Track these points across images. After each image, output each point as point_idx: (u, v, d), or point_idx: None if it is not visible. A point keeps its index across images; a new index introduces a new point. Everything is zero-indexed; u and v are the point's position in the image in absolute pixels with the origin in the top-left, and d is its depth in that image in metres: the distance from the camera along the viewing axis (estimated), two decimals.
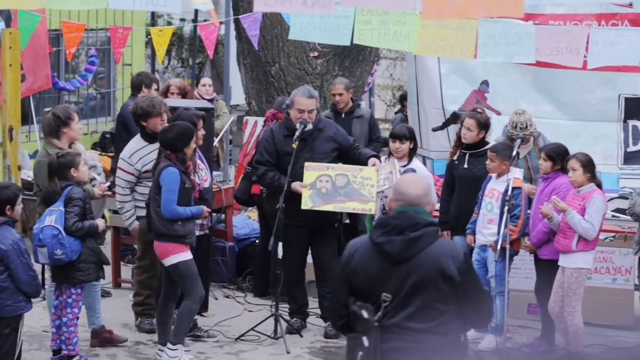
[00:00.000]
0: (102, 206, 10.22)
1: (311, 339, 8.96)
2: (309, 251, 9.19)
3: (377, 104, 20.47)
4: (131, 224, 8.77)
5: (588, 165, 8.27)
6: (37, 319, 8.82)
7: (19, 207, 7.25)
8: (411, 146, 9.15)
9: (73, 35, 10.17)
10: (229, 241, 10.50)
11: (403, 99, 14.88)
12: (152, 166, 8.30)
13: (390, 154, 9.16)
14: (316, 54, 12.19)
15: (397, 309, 5.09)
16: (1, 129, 10.54)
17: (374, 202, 8.82)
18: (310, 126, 8.85)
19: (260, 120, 10.50)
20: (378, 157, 9.12)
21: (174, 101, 9.69)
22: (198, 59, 19.00)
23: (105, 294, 9.96)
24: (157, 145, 8.29)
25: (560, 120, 10.77)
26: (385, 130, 15.52)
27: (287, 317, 9.11)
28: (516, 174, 8.55)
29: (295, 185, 8.74)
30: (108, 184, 9.45)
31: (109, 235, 10.69)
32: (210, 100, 13.06)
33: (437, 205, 9.32)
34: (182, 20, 18.62)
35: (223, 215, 10.53)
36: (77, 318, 7.97)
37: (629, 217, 9.18)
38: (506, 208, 8.33)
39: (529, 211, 8.67)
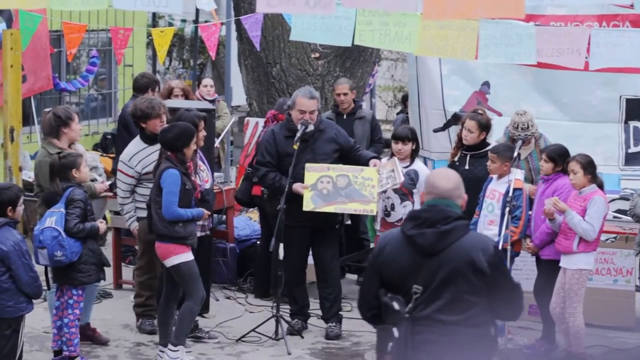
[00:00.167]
0: (103, 207, 10.22)
1: (312, 340, 8.96)
2: (310, 252, 9.19)
3: (378, 105, 20.49)
4: (131, 225, 8.78)
5: (588, 166, 8.27)
6: (38, 320, 8.82)
7: (20, 209, 7.26)
8: (413, 147, 9.15)
9: (74, 36, 10.18)
10: (230, 242, 10.50)
11: (405, 99, 14.89)
12: (152, 168, 8.30)
13: (392, 155, 9.16)
14: (317, 55, 12.19)
15: (427, 301, 5.17)
16: (2, 130, 10.55)
17: (375, 203, 8.82)
18: (311, 127, 8.85)
19: (262, 121, 10.50)
20: (379, 158, 9.12)
21: (175, 102, 9.69)
22: (199, 59, 19.00)
23: (107, 295, 9.98)
24: (156, 147, 8.30)
25: (561, 121, 10.76)
26: (386, 131, 15.53)
27: (288, 318, 9.11)
28: (517, 175, 8.54)
29: (297, 186, 8.74)
30: (109, 182, 9.44)
31: (110, 237, 10.69)
32: (212, 101, 13.06)
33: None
34: (184, 21, 18.63)
35: (224, 217, 10.53)
36: (79, 319, 7.98)
37: (630, 218, 9.18)
38: (507, 209, 8.33)
39: (530, 212, 8.67)
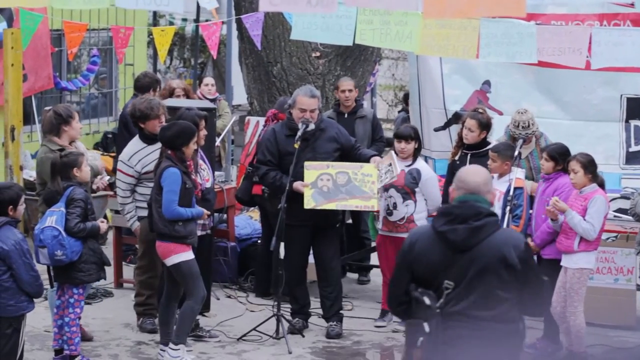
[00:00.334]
0: (104, 206, 10.23)
1: (313, 339, 8.96)
2: (311, 251, 9.19)
3: (379, 104, 20.47)
4: (132, 224, 8.79)
5: (589, 166, 8.26)
6: (39, 319, 8.83)
7: (21, 208, 7.26)
8: (416, 146, 9.16)
9: (75, 35, 10.18)
10: (231, 241, 10.51)
11: (406, 98, 14.87)
12: (152, 167, 8.31)
13: (395, 153, 9.16)
14: (318, 54, 12.18)
15: (459, 296, 5.23)
16: (3, 129, 10.55)
17: (376, 199, 8.83)
18: (312, 126, 8.85)
19: (262, 120, 10.50)
20: (380, 156, 9.12)
21: (176, 101, 9.68)
22: (200, 59, 19.00)
23: (107, 294, 9.98)
24: (156, 146, 8.31)
25: (562, 120, 10.76)
26: (387, 130, 15.52)
27: (289, 317, 9.11)
28: (518, 174, 8.54)
29: (297, 184, 8.75)
30: (107, 178, 9.43)
31: (111, 236, 10.69)
32: (213, 100, 13.07)
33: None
34: (184, 20, 18.62)
35: (225, 215, 10.53)
36: (79, 318, 7.98)
37: (630, 217, 9.18)
38: (508, 208, 8.33)
39: (530, 211, 8.66)
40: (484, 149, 8.99)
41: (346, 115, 10.47)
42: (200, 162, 8.48)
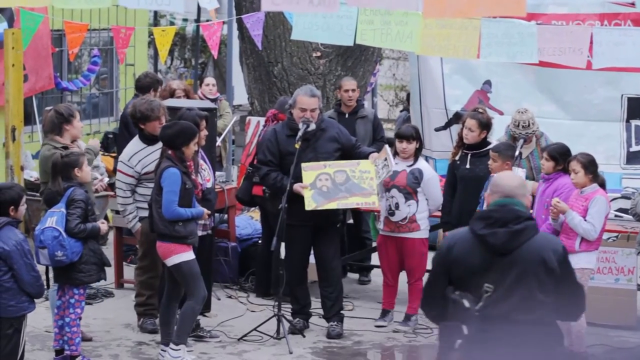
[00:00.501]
0: (105, 206, 10.23)
1: (314, 339, 8.96)
2: (312, 251, 9.19)
3: (380, 104, 20.47)
4: (134, 226, 8.79)
5: (589, 166, 8.26)
6: (40, 319, 8.83)
7: (23, 208, 7.26)
8: (417, 146, 9.17)
9: (76, 35, 10.18)
10: (232, 241, 10.50)
11: (409, 98, 14.87)
12: (152, 167, 8.31)
13: (396, 153, 9.16)
14: (319, 54, 12.18)
15: (498, 299, 5.24)
16: (4, 129, 10.54)
17: (376, 195, 8.83)
18: (313, 126, 8.85)
19: (263, 121, 10.50)
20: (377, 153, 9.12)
21: (177, 101, 9.68)
22: (201, 59, 19.00)
23: (108, 294, 9.98)
24: (156, 147, 8.31)
25: (563, 120, 10.77)
26: (388, 130, 15.53)
27: (290, 317, 9.11)
28: (518, 174, 8.54)
29: (297, 187, 8.74)
30: (107, 179, 9.43)
31: (111, 236, 10.69)
32: (214, 100, 13.06)
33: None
34: (185, 20, 18.61)
35: (226, 216, 10.53)
36: (80, 318, 7.98)
37: (631, 217, 9.18)
38: None
39: (531, 211, 8.66)
40: (485, 149, 8.99)
41: (347, 116, 10.47)
42: (201, 162, 8.48)
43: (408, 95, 15.47)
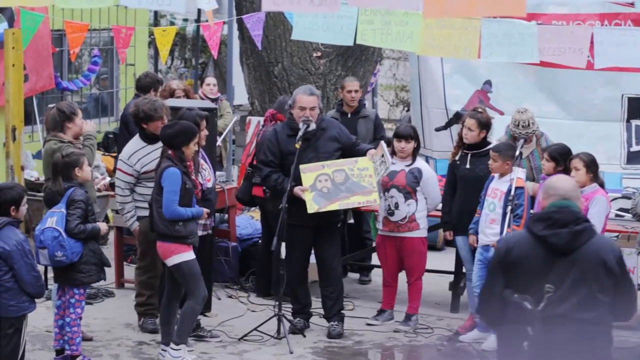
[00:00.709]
0: (105, 206, 10.23)
1: (314, 339, 8.96)
2: (312, 251, 9.19)
3: (380, 104, 20.47)
4: (132, 225, 8.79)
5: (591, 165, 8.27)
6: (40, 319, 8.83)
7: (23, 208, 7.26)
8: (415, 145, 9.18)
9: (76, 35, 10.17)
10: (232, 241, 10.50)
11: None
12: (152, 166, 8.31)
13: (394, 153, 9.17)
14: (319, 54, 12.19)
15: (560, 299, 5.32)
16: (4, 129, 10.54)
17: (376, 192, 8.83)
18: (313, 126, 8.84)
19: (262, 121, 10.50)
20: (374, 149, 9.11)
21: (177, 101, 9.69)
22: (201, 59, 19.00)
23: (108, 294, 9.98)
24: (156, 146, 8.31)
25: (564, 120, 10.77)
26: (389, 130, 15.53)
27: (290, 317, 9.11)
28: (519, 173, 8.55)
29: (297, 190, 8.73)
30: (108, 179, 9.43)
31: (112, 236, 10.69)
32: (215, 100, 13.06)
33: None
34: (185, 20, 18.62)
35: (226, 215, 10.53)
36: (80, 318, 7.98)
37: (631, 217, 9.17)
38: (509, 208, 8.33)
39: (531, 211, 8.66)
40: (484, 149, 9.00)
41: (349, 115, 10.47)
42: (202, 162, 8.48)
43: None
